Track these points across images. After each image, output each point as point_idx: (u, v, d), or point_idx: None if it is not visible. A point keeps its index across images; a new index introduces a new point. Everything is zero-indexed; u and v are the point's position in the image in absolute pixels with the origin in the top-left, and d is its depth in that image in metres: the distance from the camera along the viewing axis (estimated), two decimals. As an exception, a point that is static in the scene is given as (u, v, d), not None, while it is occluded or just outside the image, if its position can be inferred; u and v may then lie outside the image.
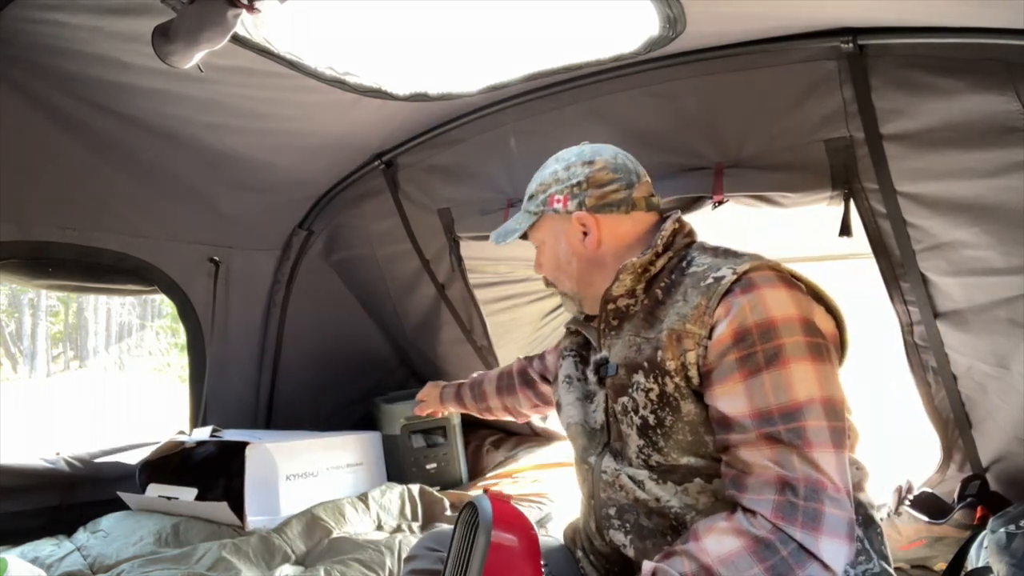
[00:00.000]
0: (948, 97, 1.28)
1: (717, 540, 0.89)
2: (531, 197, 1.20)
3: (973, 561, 1.36)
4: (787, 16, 1.36)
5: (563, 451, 2.46)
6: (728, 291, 0.97)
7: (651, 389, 1.02)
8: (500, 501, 0.99)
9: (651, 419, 1.02)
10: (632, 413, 1.04)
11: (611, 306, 1.12)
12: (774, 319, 0.94)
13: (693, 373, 0.98)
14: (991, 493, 1.60)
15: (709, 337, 0.97)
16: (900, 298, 1.53)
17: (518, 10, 1.44)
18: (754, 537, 0.87)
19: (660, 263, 1.09)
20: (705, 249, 1.10)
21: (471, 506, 1.00)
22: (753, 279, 0.97)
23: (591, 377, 1.16)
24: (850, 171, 1.45)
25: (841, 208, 1.49)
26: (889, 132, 1.38)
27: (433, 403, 1.76)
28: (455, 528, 1.04)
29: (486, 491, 1.02)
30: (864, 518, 1.02)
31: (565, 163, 1.17)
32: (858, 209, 1.47)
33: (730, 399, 0.94)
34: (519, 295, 2.63)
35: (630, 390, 1.05)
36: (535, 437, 2.65)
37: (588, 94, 1.79)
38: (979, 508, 1.55)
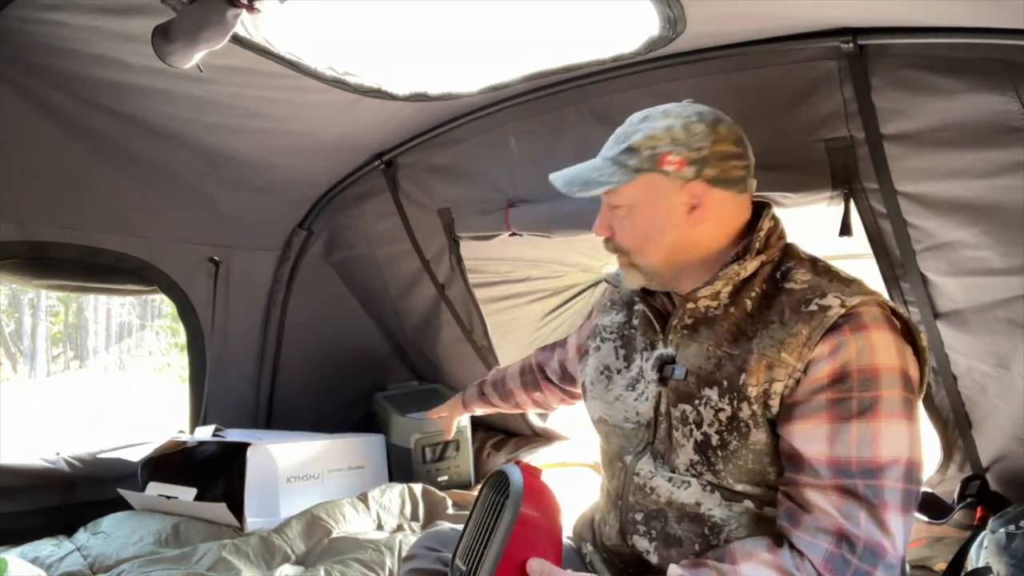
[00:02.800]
0: (948, 97, 1.27)
1: (755, 570, 0.86)
2: (630, 149, 1.01)
3: (973, 561, 1.36)
4: (787, 16, 1.36)
5: (564, 451, 2.46)
6: (835, 325, 0.91)
7: (723, 409, 0.95)
8: (531, 474, 0.95)
9: (715, 439, 0.96)
10: (693, 426, 0.98)
11: (691, 306, 1.02)
12: (878, 368, 0.89)
13: (774, 403, 0.92)
14: (991, 493, 1.60)
15: (804, 372, 0.91)
16: (900, 298, 1.53)
17: (518, 10, 1.44)
18: None
19: (751, 267, 1.00)
20: (802, 260, 1.03)
21: (501, 475, 0.96)
22: (863, 317, 0.91)
23: (649, 373, 1.06)
24: (850, 171, 1.44)
25: (841, 208, 1.49)
26: (889, 132, 1.37)
27: (457, 412, 1.73)
28: (479, 494, 1.00)
29: (517, 463, 0.98)
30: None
31: (684, 120, 1.01)
32: (858, 209, 1.47)
33: (809, 438, 0.89)
34: (519, 295, 2.63)
35: (696, 401, 0.98)
36: (536, 438, 2.65)
37: (588, 94, 1.79)
38: (979, 508, 1.55)
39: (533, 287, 2.63)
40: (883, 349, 0.90)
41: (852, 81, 1.38)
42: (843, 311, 0.91)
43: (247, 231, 2.40)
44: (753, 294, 1.00)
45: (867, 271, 1.54)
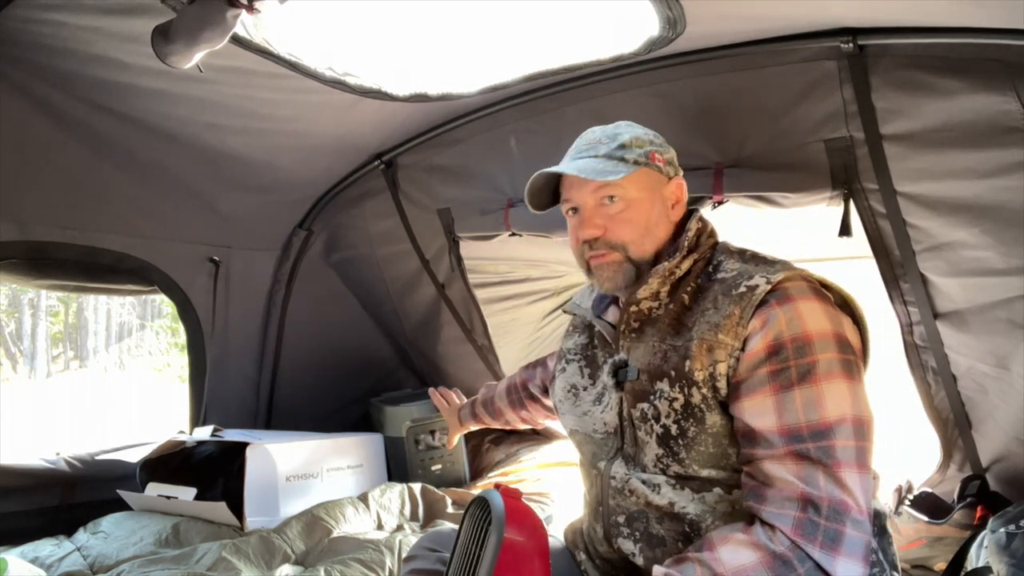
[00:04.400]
0: (948, 97, 1.28)
1: (733, 551, 0.88)
2: (623, 146, 1.09)
3: (973, 561, 1.36)
4: (787, 16, 1.36)
5: (564, 450, 2.46)
6: (763, 302, 0.95)
7: (675, 399, 0.99)
8: (511, 497, 0.96)
9: (673, 429, 1.00)
10: (652, 421, 1.02)
11: (633, 308, 1.08)
12: (809, 334, 0.92)
13: (721, 384, 0.96)
14: (991, 493, 1.60)
15: (742, 349, 0.95)
16: (900, 298, 1.53)
17: (518, 10, 1.44)
18: (772, 552, 0.86)
19: (685, 265, 1.07)
20: (731, 252, 1.08)
21: (481, 501, 0.97)
22: (788, 290, 0.96)
23: (606, 380, 1.11)
24: (850, 171, 1.45)
25: (841, 208, 1.49)
26: (889, 132, 1.38)
27: (456, 430, 1.77)
28: (463, 522, 1.01)
29: (497, 486, 1.00)
30: (878, 528, 1.01)
31: (644, 130, 1.13)
32: (858, 209, 1.47)
33: (758, 413, 0.93)
34: (519, 295, 2.63)
35: (652, 397, 1.02)
36: (535, 436, 2.65)
37: (588, 94, 1.79)
38: (979, 508, 1.55)
39: (533, 287, 2.63)
40: (811, 316, 0.94)
41: (852, 81, 1.38)
42: (769, 287, 0.96)
43: (247, 231, 2.40)
44: (689, 289, 1.06)
45: (867, 271, 1.55)
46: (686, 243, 1.07)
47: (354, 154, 2.26)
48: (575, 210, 1.12)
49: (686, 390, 0.98)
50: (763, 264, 1.03)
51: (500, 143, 2.00)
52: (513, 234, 2.07)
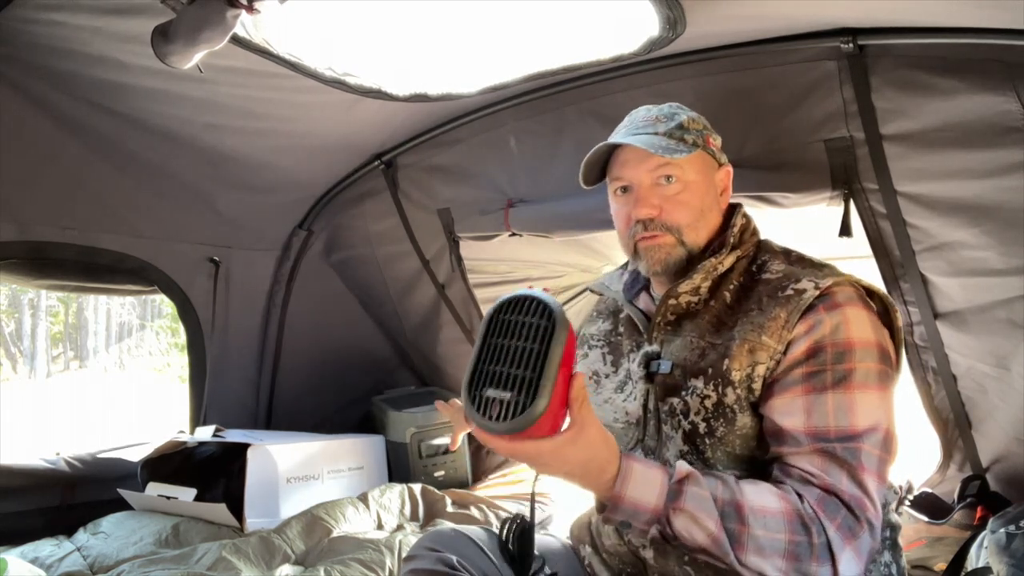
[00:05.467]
0: (948, 97, 1.27)
1: (757, 492, 0.88)
2: (682, 126, 1.07)
3: (973, 561, 1.36)
4: (787, 16, 1.36)
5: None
6: (810, 307, 0.95)
7: (708, 397, 0.98)
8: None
9: (702, 427, 0.99)
10: (681, 417, 1.01)
11: (672, 301, 1.06)
12: (852, 341, 0.92)
13: (757, 386, 0.95)
14: (991, 493, 1.60)
15: (784, 353, 0.94)
16: (900, 298, 1.53)
17: (518, 10, 1.43)
18: (797, 509, 0.86)
19: (728, 262, 1.05)
20: (776, 252, 1.07)
21: (530, 299, 0.83)
22: (836, 296, 0.95)
23: (633, 369, 1.09)
24: (850, 171, 1.45)
25: (841, 208, 1.49)
26: (889, 132, 1.38)
27: (461, 428, 1.74)
28: (493, 321, 0.84)
29: (530, 287, 0.88)
30: (891, 542, 1.01)
31: (696, 113, 1.11)
32: (858, 209, 1.47)
33: (787, 412, 0.92)
34: (519, 295, 2.62)
35: (683, 392, 1.01)
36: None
37: (588, 94, 1.79)
38: (979, 508, 1.55)
39: (533, 287, 2.63)
40: (857, 324, 0.94)
41: (852, 81, 1.38)
42: (817, 292, 0.95)
43: (247, 231, 2.40)
44: (731, 287, 1.04)
45: (867, 271, 1.55)
46: (731, 239, 1.05)
47: (354, 154, 2.26)
48: (625, 189, 1.09)
49: (720, 389, 0.97)
50: (810, 267, 1.02)
51: (500, 143, 2.00)
52: (513, 234, 2.07)
